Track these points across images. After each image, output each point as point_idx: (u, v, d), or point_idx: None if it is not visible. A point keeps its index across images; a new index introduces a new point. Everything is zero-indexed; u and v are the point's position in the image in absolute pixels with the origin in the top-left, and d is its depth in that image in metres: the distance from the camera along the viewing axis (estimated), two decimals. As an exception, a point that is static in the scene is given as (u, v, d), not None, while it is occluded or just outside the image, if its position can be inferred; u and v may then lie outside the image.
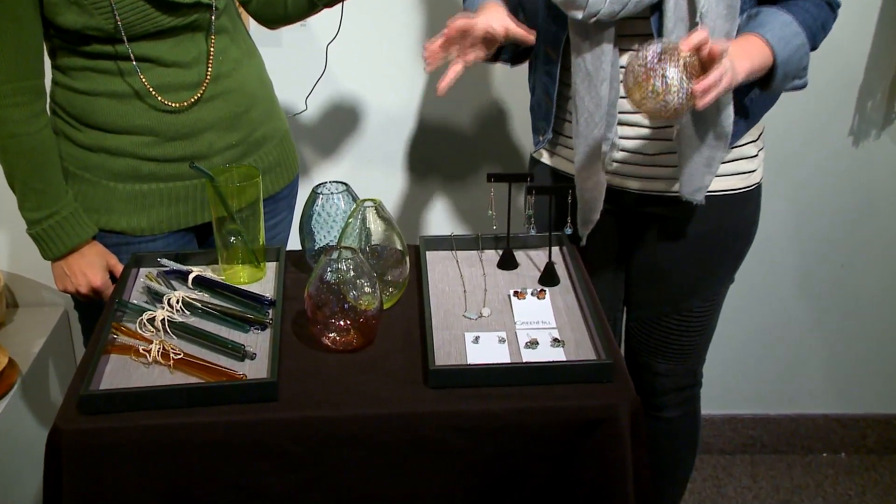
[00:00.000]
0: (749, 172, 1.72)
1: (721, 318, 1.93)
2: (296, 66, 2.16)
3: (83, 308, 1.80)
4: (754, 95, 1.63)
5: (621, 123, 1.67)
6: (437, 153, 2.37)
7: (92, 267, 1.68)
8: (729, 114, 1.58)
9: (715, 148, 1.61)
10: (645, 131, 1.67)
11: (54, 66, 1.66)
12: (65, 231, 1.65)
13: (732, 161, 1.69)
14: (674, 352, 1.89)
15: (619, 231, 1.85)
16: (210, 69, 1.66)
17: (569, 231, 1.63)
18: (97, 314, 1.73)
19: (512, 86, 2.29)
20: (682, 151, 1.62)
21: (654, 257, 1.81)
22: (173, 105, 1.63)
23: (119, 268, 1.69)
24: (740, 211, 1.75)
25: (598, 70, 1.59)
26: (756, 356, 2.65)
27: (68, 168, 1.67)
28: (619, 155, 1.70)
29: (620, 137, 1.68)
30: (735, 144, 1.68)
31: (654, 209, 1.76)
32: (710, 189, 1.69)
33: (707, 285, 1.81)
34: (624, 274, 1.91)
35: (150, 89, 1.61)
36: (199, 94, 1.65)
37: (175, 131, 1.65)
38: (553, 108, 1.74)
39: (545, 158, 1.86)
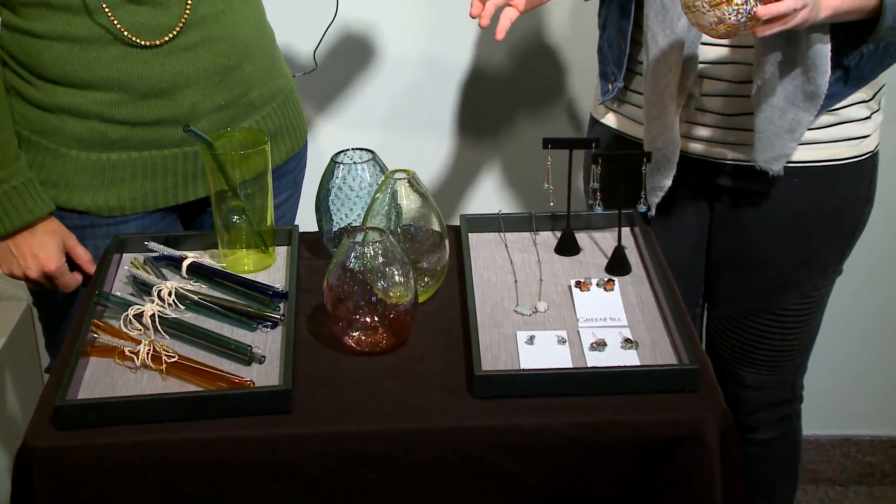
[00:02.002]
0: (859, 139, 1.72)
1: (827, 317, 1.93)
2: (302, 13, 2.17)
3: (41, 300, 1.82)
4: (865, 53, 1.63)
5: (700, 76, 1.69)
6: (481, 113, 2.39)
7: (44, 247, 1.68)
8: (824, 70, 1.58)
9: (803, 110, 1.62)
10: (727, 86, 1.69)
11: (0, 3, 1.65)
12: (13, 205, 1.65)
13: (836, 125, 1.69)
14: (764, 359, 1.90)
15: (697, 208, 1.86)
16: (189, 4, 1.65)
17: (643, 208, 1.64)
18: (60, 309, 1.76)
19: (572, 28, 2.30)
20: (760, 109, 1.63)
21: (740, 242, 1.82)
22: (144, 42, 1.63)
23: (78, 250, 1.70)
24: (848, 186, 1.75)
25: (676, 3, 1.61)
26: (873, 365, 2.64)
27: (21, 132, 1.68)
28: (696, 115, 1.72)
29: (701, 95, 1.70)
30: (838, 105, 1.68)
31: (738, 183, 1.77)
32: (808, 159, 1.70)
33: (806, 278, 1.82)
34: (703, 262, 1.93)
35: (120, 27, 1.61)
36: (176, 31, 1.65)
37: (149, 86, 1.66)
38: (627, 50, 1.76)
39: (608, 118, 1.87)
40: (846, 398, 2.68)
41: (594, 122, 1.93)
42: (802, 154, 1.69)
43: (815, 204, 1.74)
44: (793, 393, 1.97)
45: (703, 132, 1.74)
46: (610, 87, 1.81)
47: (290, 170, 1.90)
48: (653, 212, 1.76)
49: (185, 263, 1.58)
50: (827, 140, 1.70)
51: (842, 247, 1.82)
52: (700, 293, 1.96)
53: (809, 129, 1.67)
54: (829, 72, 1.58)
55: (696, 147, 1.76)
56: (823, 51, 1.57)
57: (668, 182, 1.74)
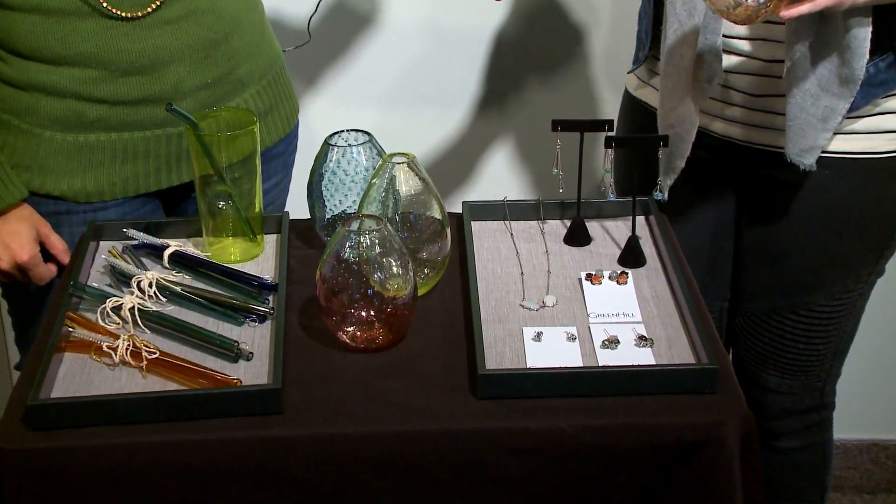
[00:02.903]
0: None
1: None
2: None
3: (12, 292, 1.82)
4: None
5: (726, 50, 1.69)
6: (486, 91, 2.38)
7: (16, 236, 1.67)
8: (861, 53, 1.57)
9: (837, 97, 1.61)
10: (753, 64, 1.69)
11: None
12: None
13: (874, 115, 1.69)
14: (788, 362, 1.90)
15: (722, 194, 1.86)
16: None
17: (659, 196, 1.64)
18: (32, 301, 1.76)
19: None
20: (791, 95, 1.62)
21: (766, 234, 1.82)
22: (125, 14, 1.63)
23: (53, 239, 1.70)
24: (886, 183, 1.74)
25: None
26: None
27: None
28: (719, 91, 1.72)
29: (725, 71, 1.70)
30: (879, 94, 1.67)
31: (765, 169, 1.76)
32: (841, 150, 1.70)
33: (834, 278, 1.81)
34: (730, 253, 1.93)
35: None
36: (158, 2, 1.64)
37: (129, 62, 1.66)
38: (651, 15, 1.77)
39: (639, 91, 1.88)
40: (874, 400, 2.68)
41: (626, 95, 1.94)
42: (835, 144, 1.69)
43: (847, 199, 1.74)
44: (821, 400, 1.97)
45: (727, 111, 1.74)
46: (640, 55, 1.82)
47: (281, 152, 1.90)
48: (665, 196, 1.76)
49: (167, 252, 1.58)
50: (863, 131, 1.69)
51: (877, 248, 1.81)
52: (726, 287, 1.96)
53: (852, 110, 1.67)
54: (867, 54, 1.57)
55: (719, 126, 1.76)
56: (861, 31, 1.56)
57: (681, 164, 1.75)
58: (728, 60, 1.70)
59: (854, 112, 1.65)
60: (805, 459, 2.02)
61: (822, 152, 1.68)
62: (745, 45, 1.69)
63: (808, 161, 1.66)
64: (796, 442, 1.99)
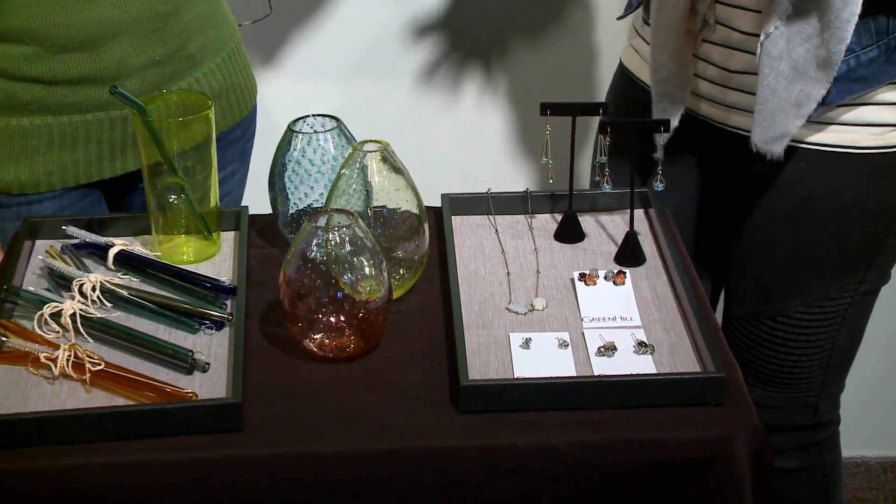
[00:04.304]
0: (886, 127, 1.70)
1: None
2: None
3: None
4: None
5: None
6: (468, 70, 2.38)
7: None
8: (841, 36, 1.56)
9: (814, 81, 1.61)
10: (734, 36, 1.70)
11: None
12: None
13: (857, 105, 1.68)
14: (769, 373, 1.91)
15: (703, 185, 1.89)
16: None
17: (659, 187, 1.65)
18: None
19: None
20: (763, 77, 1.62)
21: (742, 232, 1.83)
22: None
23: None
24: (869, 183, 1.73)
25: None
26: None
27: None
28: (700, 67, 1.74)
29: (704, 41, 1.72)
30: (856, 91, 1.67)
31: (742, 159, 1.76)
32: (820, 142, 1.70)
33: (813, 284, 1.81)
34: (716, 249, 1.94)
35: None
36: None
37: (68, 37, 1.65)
38: None
39: (625, 55, 1.90)
40: (891, 413, 2.69)
41: (618, 70, 1.96)
42: (812, 135, 1.70)
43: (825, 197, 1.74)
44: (816, 418, 1.96)
45: (703, 87, 1.76)
46: (633, 1, 1.83)
47: (237, 138, 1.90)
48: (660, 154, 1.75)
49: (112, 252, 1.58)
50: (844, 122, 1.69)
51: (864, 256, 1.80)
52: (708, 285, 1.98)
53: (824, 106, 1.67)
54: (848, 38, 1.57)
55: (707, 109, 1.78)
56: (846, 11, 1.55)
57: (675, 122, 1.75)
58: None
59: (828, 107, 1.66)
60: (801, 484, 2.02)
61: (799, 142, 1.69)
62: (725, 14, 1.70)
63: (777, 150, 1.66)
64: (791, 462, 1.99)
